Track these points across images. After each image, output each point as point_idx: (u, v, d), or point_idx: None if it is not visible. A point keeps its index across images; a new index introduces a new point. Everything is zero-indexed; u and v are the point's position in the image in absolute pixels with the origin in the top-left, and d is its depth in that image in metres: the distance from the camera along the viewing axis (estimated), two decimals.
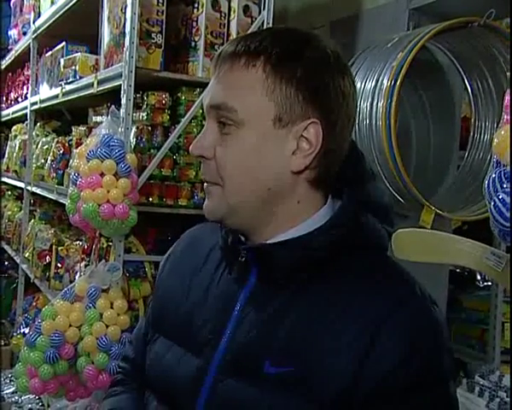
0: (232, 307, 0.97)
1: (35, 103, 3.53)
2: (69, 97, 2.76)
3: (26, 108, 3.84)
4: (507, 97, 1.08)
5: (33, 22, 3.58)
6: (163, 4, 2.14)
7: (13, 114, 4.38)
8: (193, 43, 2.29)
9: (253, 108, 0.93)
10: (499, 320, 2.59)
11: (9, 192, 4.83)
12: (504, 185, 1.05)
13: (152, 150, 2.24)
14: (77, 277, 2.55)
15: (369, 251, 0.97)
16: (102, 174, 1.92)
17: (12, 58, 4.38)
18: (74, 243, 2.89)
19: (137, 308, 2.18)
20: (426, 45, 2.16)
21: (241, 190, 0.95)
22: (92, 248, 2.44)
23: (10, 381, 3.53)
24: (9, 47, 4.59)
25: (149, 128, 2.27)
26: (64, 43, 2.97)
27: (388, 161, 2.03)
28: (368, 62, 2.20)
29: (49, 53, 3.26)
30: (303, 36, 0.97)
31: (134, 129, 2.25)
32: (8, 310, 4.39)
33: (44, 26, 3.32)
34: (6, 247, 4.35)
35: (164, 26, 2.15)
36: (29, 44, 3.73)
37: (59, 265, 2.94)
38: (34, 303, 3.45)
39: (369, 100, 2.11)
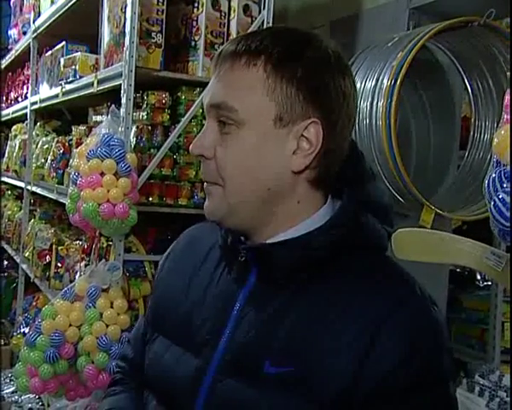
0: (231, 307, 0.97)
1: (35, 103, 3.53)
2: (69, 97, 2.76)
3: (26, 107, 3.84)
4: (507, 97, 1.08)
5: (33, 22, 3.58)
6: (163, 4, 2.14)
7: (13, 113, 4.38)
8: (193, 43, 2.29)
9: (253, 108, 0.93)
10: (499, 320, 2.59)
11: (9, 192, 4.83)
12: (504, 185, 1.05)
13: (152, 150, 2.24)
14: (77, 276, 2.55)
15: (369, 251, 0.97)
16: (102, 174, 1.92)
17: (12, 58, 4.37)
18: (74, 242, 2.89)
19: (137, 308, 2.18)
20: (426, 45, 2.16)
21: (241, 190, 0.95)
22: (92, 247, 2.44)
23: (10, 380, 3.53)
24: (9, 47, 4.59)
25: (149, 128, 2.27)
26: (64, 42, 2.97)
27: (388, 160, 2.03)
28: (368, 62, 2.20)
29: (49, 52, 3.26)
30: (304, 36, 0.97)
31: (134, 128, 2.25)
32: (8, 310, 4.39)
33: (44, 26, 3.32)
34: (6, 246, 4.34)
35: (164, 26, 2.15)
36: (29, 44, 3.72)
37: (59, 264, 2.94)
38: (34, 303, 3.45)
39: (369, 99, 2.11)
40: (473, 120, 2.36)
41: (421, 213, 2.09)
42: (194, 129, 2.22)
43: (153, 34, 2.12)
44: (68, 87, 2.73)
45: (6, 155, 4.51)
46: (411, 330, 0.88)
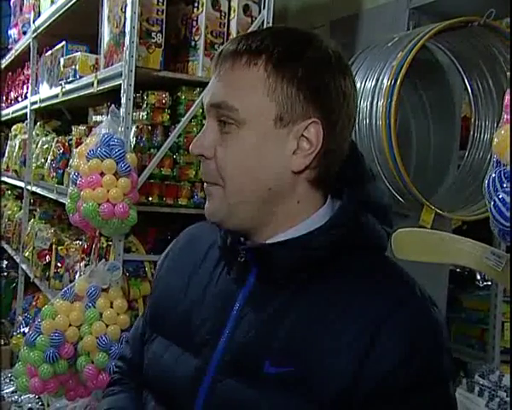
0: (231, 307, 0.97)
1: (35, 103, 3.53)
2: (69, 97, 2.76)
3: (26, 107, 3.84)
4: (507, 97, 1.08)
5: (33, 22, 3.58)
6: (163, 3, 2.14)
7: (13, 113, 4.38)
8: (193, 43, 2.29)
9: (254, 108, 0.93)
10: (499, 320, 2.60)
11: (9, 192, 4.83)
12: (504, 185, 1.05)
13: (152, 150, 2.24)
14: (77, 276, 2.55)
15: (369, 251, 0.97)
16: (102, 174, 1.92)
17: (12, 57, 4.37)
18: (74, 242, 2.89)
19: (137, 308, 2.18)
20: (426, 45, 2.16)
21: (241, 191, 0.95)
22: (92, 247, 2.44)
23: (10, 380, 3.53)
24: (9, 46, 4.59)
25: (149, 127, 2.27)
26: (64, 42, 2.97)
27: (388, 160, 2.03)
28: (368, 62, 2.20)
29: (49, 52, 3.26)
30: (304, 36, 0.97)
31: (134, 128, 2.25)
32: (8, 310, 4.39)
33: (44, 26, 3.32)
34: (6, 246, 4.35)
35: (164, 26, 2.15)
36: (29, 44, 3.72)
37: (59, 264, 2.94)
38: (34, 303, 3.45)
39: (369, 99, 2.11)
40: (473, 120, 2.36)
41: (421, 213, 2.09)
42: (194, 129, 2.22)
43: (153, 34, 2.12)
44: (68, 87, 2.73)
45: (6, 154, 4.51)
46: (411, 330, 0.88)
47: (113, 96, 2.21)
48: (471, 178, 2.31)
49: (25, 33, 3.96)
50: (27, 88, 3.91)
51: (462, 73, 2.35)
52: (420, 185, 2.13)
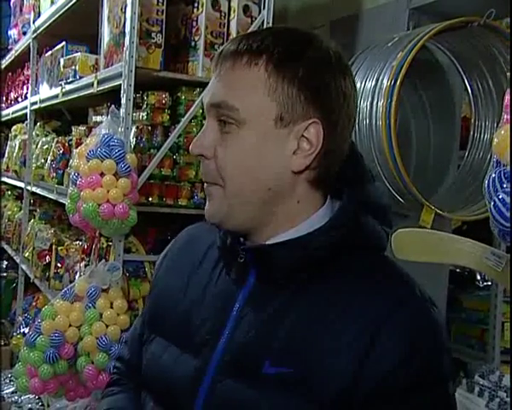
0: (231, 307, 0.97)
1: (35, 103, 3.53)
2: (69, 97, 2.76)
3: (25, 107, 3.84)
4: (507, 97, 1.08)
5: (33, 22, 3.58)
6: (163, 4, 2.14)
7: (13, 113, 4.38)
8: (193, 43, 2.29)
9: (254, 108, 0.93)
10: (499, 320, 2.60)
11: (9, 192, 4.83)
12: (504, 185, 1.05)
13: (152, 150, 2.24)
14: (77, 277, 2.55)
15: (368, 251, 0.97)
16: (102, 174, 1.92)
17: (12, 58, 4.38)
18: (74, 242, 2.89)
19: (137, 308, 2.18)
20: (426, 45, 2.16)
21: (241, 191, 0.95)
22: (92, 247, 2.44)
23: (10, 381, 3.53)
24: (9, 47, 4.59)
25: (149, 128, 2.27)
26: (64, 42, 2.97)
27: (388, 161, 2.03)
28: (368, 62, 2.20)
29: (49, 53, 3.26)
30: (305, 36, 0.97)
31: (134, 129, 2.25)
32: (8, 310, 4.39)
33: (44, 26, 3.32)
34: (6, 247, 4.35)
35: (164, 26, 2.15)
36: (29, 44, 3.73)
37: (59, 265, 2.94)
38: (34, 303, 3.45)
39: (369, 99, 2.11)
40: (473, 120, 2.36)
41: (421, 214, 2.09)
42: (194, 129, 2.22)
43: (153, 34, 2.12)
44: (68, 87, 2.73)
45: (6, 155, 4.51)
46: (411, 331, 0.88)
47: (113, 96, 2.21)
48: (471, 178, 2.31)
49: (25, 34, 3.96)
50: (27, 88, 3.91)
51: (462, 73, 2.35)
52: (420, 185, 2.13)
